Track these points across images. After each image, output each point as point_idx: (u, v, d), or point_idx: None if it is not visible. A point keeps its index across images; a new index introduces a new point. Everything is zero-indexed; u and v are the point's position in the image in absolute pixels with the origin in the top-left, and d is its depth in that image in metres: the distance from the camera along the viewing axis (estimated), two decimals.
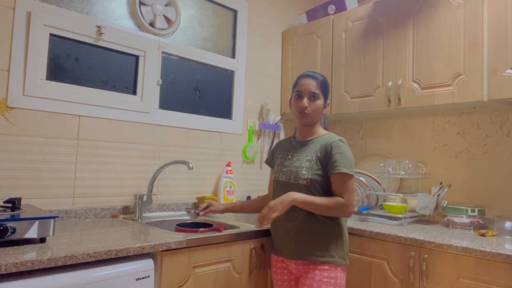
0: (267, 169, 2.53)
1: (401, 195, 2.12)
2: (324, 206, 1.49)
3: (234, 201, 2.32)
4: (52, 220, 1.28)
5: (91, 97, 1.87)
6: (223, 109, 2.48)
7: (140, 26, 2.08)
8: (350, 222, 1.97)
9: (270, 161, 1.80)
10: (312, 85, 1.59)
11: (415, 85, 2.07)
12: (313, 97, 1.59)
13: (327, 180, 1.55)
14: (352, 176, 1.53)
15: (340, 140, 1.56)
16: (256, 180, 2.61)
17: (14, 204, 1.35)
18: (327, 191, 1.55)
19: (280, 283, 1.63)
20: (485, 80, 1.82)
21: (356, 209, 2.15)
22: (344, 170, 1.50)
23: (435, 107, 2.05)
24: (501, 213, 1.98)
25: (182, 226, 1.73)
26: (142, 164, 2.05)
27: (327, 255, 1.51)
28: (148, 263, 1.36)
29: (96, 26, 1.89)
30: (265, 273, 1.77)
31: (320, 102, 1.60)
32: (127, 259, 1.32)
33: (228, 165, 2.39)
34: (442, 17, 1.98)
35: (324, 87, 1.63)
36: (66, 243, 1.30)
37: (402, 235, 1.68)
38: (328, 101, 1.67)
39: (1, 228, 1.17)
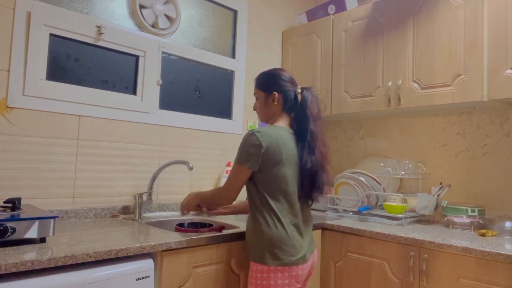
0: None
1: (401, 195, 2.12)
2: (209, 197, 1.58)
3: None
4: (52, 220, 1.28)
5: (91, 97, 1.87)
6: (223, 109, 2.48)
7: (140, 26, 2.08)
8: (350, 222, 1.97)
9: None
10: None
11: (415, 85, 2.07)
12: (256, 99, 1.63)
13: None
14: (236, 163, 1.46)
15: (248, 132, 1.47)
16: None
17: (14, 204, 1.35)
18: (254, 192, 1.50)
19: None
20: (485, 80, 1.82)
21: (356, 209, 2.16)
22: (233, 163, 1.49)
23: (435, 107, 2.05)
24: (501, 213, 1.98)
25: (182, 226, 1.73)
26: (142, 164, 2.05)
27: (250, 253, 1.48)
28: (148, 263, 1.36)
29: (96, 26, 1.89)
30: None
31: (259, 100, 1.60)
32: (127, 259, 1.32)
33: (228, 165, 2.39)
34: (442, 17, 1.98)
35: (260, 83, 1.61)
36: (66, 243, 1.30)
37: (402, 235, 1.68)
38: (275, 92, 1.55)
39: (1, 228, 1.17)
